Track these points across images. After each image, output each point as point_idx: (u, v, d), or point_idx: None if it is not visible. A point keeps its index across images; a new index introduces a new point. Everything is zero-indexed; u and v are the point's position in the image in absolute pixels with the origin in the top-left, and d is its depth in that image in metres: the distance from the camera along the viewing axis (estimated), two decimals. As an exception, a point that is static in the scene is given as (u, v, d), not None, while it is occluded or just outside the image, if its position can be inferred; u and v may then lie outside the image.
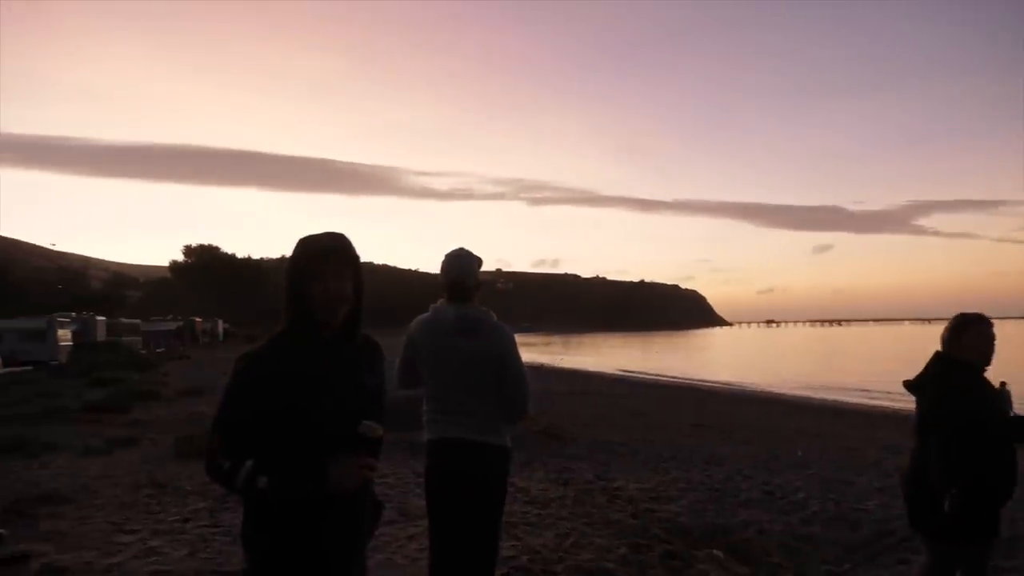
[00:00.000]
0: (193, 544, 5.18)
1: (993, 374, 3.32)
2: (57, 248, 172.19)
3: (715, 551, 5.06)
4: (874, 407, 19.84)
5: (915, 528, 3.42)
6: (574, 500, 6.53)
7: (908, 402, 3.52)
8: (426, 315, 3.32)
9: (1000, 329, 3.39)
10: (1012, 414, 3.29)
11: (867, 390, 25.53)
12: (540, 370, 31.78)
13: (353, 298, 2.18)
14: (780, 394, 24.01)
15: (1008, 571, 4.74)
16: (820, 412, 17.93)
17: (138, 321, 54.82)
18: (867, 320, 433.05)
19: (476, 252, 3.31)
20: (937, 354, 3.36)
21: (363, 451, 2.08)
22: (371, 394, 2.22)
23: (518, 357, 3.22)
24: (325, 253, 2.15)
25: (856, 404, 21.03)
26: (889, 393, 23.92)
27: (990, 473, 3.13)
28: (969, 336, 3.28)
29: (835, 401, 21.89)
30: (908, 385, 3.45)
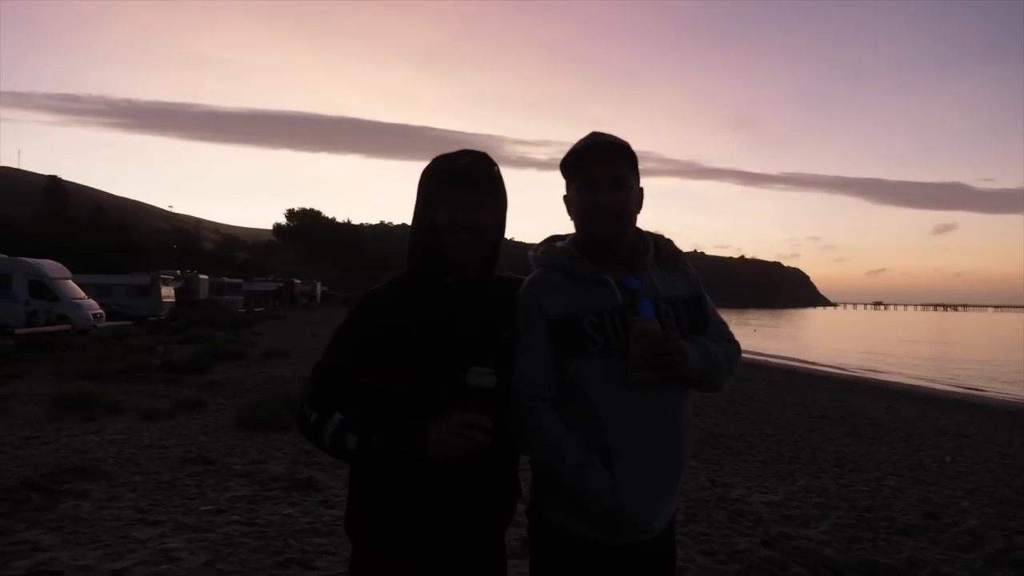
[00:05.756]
0: (216, 549, 4.24)
1: None
2: (173, 210, 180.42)
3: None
4: (1018, 403, 17.55)
5: None
6: (686, 515, 5.27)
7: None
8: None
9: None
10: None
11: (998, 380, 23.01)
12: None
13: (491, 232, 1.80)
14: (901, 383, 21.76)
15: None
16: (953, 406, 15.86)
17: (240, 280, 56.25)
18: (986, 306, 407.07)
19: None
20: None
21: (471, 405, 1.64)
22: (501, 348, 1.76)
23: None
24: (459, 175, 1.76)
25: (993, 398, 18.70)
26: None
27: None
28: None
29: (968, 393, 19.60)
30: None
